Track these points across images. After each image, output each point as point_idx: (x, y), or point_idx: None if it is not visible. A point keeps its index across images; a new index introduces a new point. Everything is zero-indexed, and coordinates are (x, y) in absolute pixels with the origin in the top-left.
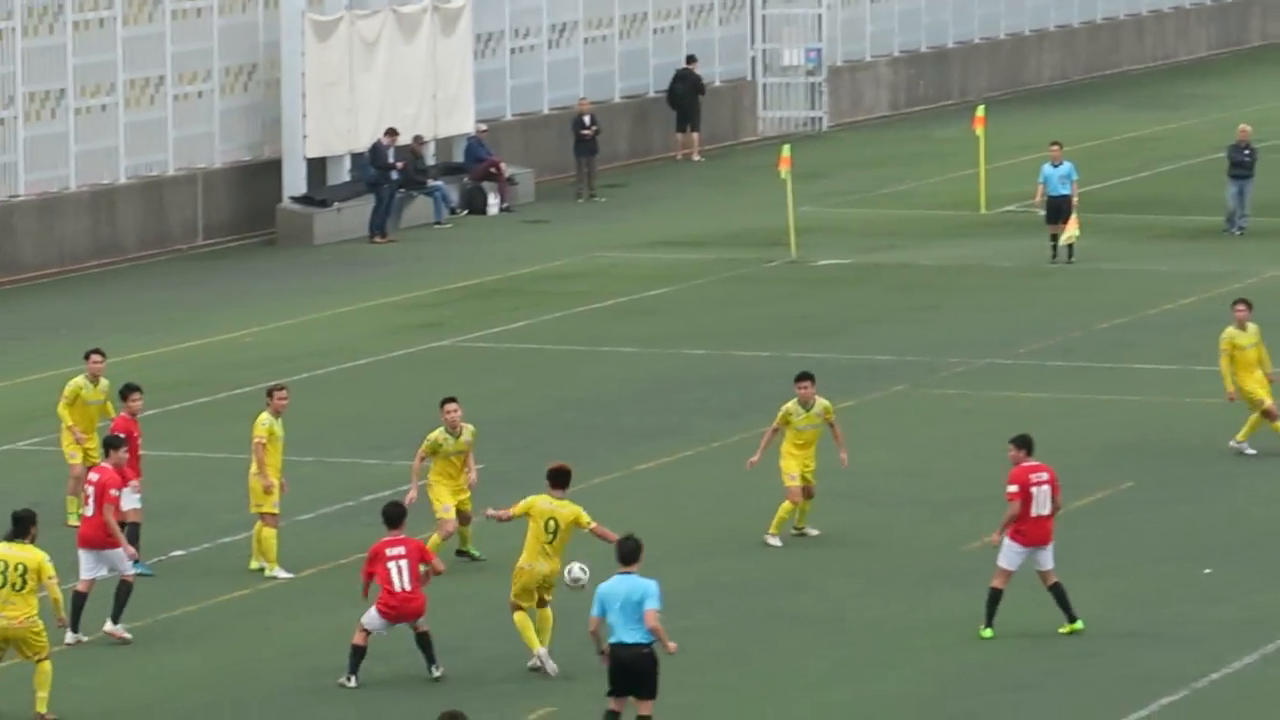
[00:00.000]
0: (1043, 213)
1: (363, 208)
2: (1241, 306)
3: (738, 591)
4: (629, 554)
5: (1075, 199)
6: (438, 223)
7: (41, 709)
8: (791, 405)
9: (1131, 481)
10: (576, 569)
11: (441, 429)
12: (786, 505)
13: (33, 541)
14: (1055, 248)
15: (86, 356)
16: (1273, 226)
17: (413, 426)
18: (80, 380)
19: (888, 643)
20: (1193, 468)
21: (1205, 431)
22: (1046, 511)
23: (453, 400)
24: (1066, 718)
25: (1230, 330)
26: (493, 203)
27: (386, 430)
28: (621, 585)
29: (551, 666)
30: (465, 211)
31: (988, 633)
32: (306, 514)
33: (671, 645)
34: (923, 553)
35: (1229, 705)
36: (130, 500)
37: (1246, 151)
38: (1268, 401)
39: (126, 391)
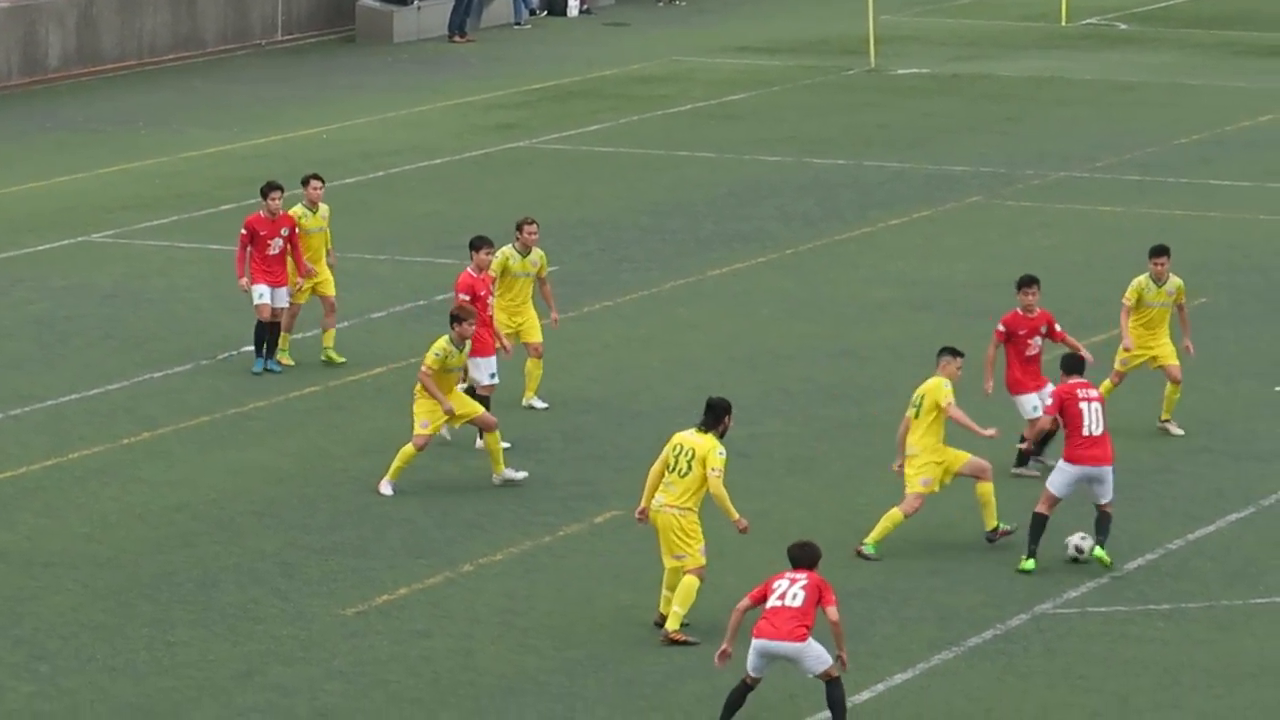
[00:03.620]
0: None
1: (443, 6)
2: None
3: (807, 399)
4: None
5: None
6: (517, 23)
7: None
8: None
9: (1205, 298)
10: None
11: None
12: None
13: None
14: None
15: (305, 182)
16: None
17: (488, 226)
18: (299, 209)
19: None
20: (1268, 285)
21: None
22: (1099, 431)
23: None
24: (1135, 532)
25: None
26: (573, 4)
27: (462, 229)
28: None
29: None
30: (545, 13)
31: (1029, 564)
32: (379, 312)
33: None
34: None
35: None
36: (281, 299)
37: None
38: None
39: (267, 190)
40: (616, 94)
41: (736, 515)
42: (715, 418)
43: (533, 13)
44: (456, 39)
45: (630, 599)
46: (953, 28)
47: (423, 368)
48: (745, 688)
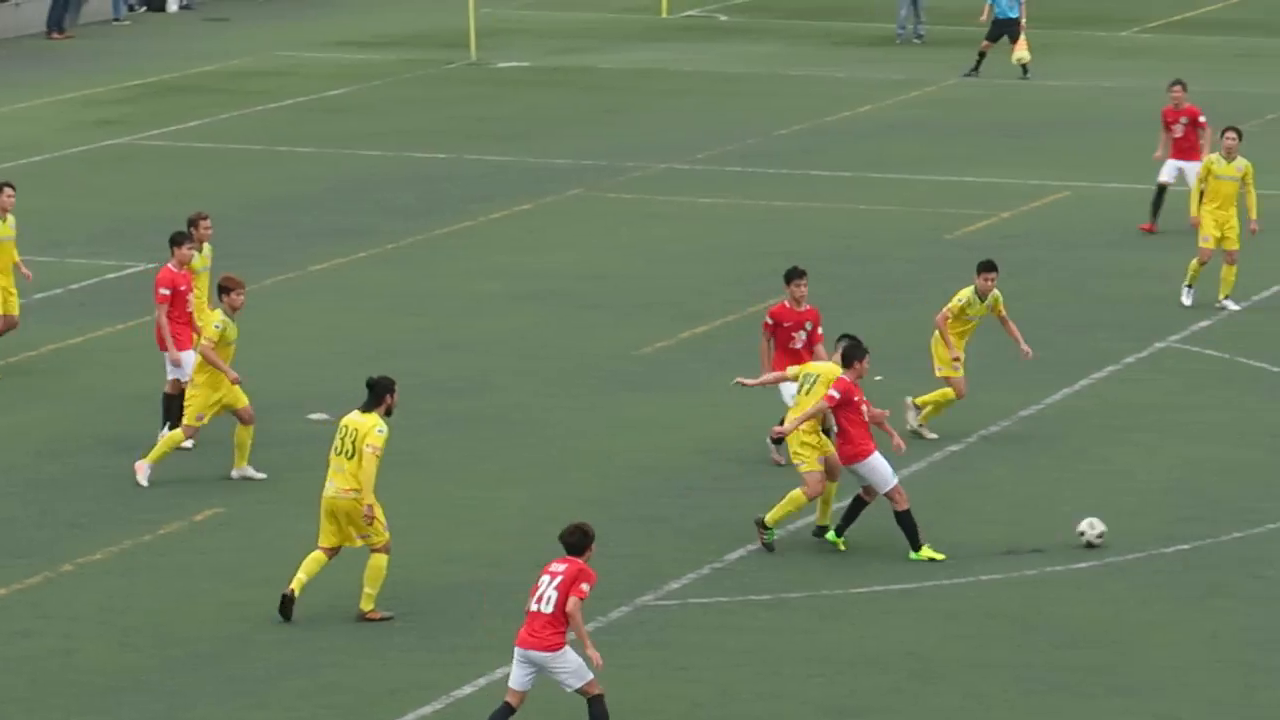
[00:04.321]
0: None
1: (41, 3)
2: (1230, 135)
3: (416, 393)
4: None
5: (1023, 21)
6: (116, 19)
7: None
8: None
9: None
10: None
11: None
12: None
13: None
14: (979, 63)
15: None
16: (951, 35)
17: (90, 222)
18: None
19: (565, 444)
20: (870, 275)
21: (885, 240)
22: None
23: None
24: (737, 522)
25: (1213, 156)
26: (172, 0)
27: (63, 227)
28: None
29: None
30: (144, 8)
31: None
32: None
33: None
34: (602, 356)
35: None
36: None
37: None
38: (1213, 245)
39: None
40: (218, 89)
41: (372, 499)
42: (376, 397)
43: (131, 8)
44: (55, 35)
45: (232, 596)
46: (554, 20)
47: (203, 341)
48: (506, 709)
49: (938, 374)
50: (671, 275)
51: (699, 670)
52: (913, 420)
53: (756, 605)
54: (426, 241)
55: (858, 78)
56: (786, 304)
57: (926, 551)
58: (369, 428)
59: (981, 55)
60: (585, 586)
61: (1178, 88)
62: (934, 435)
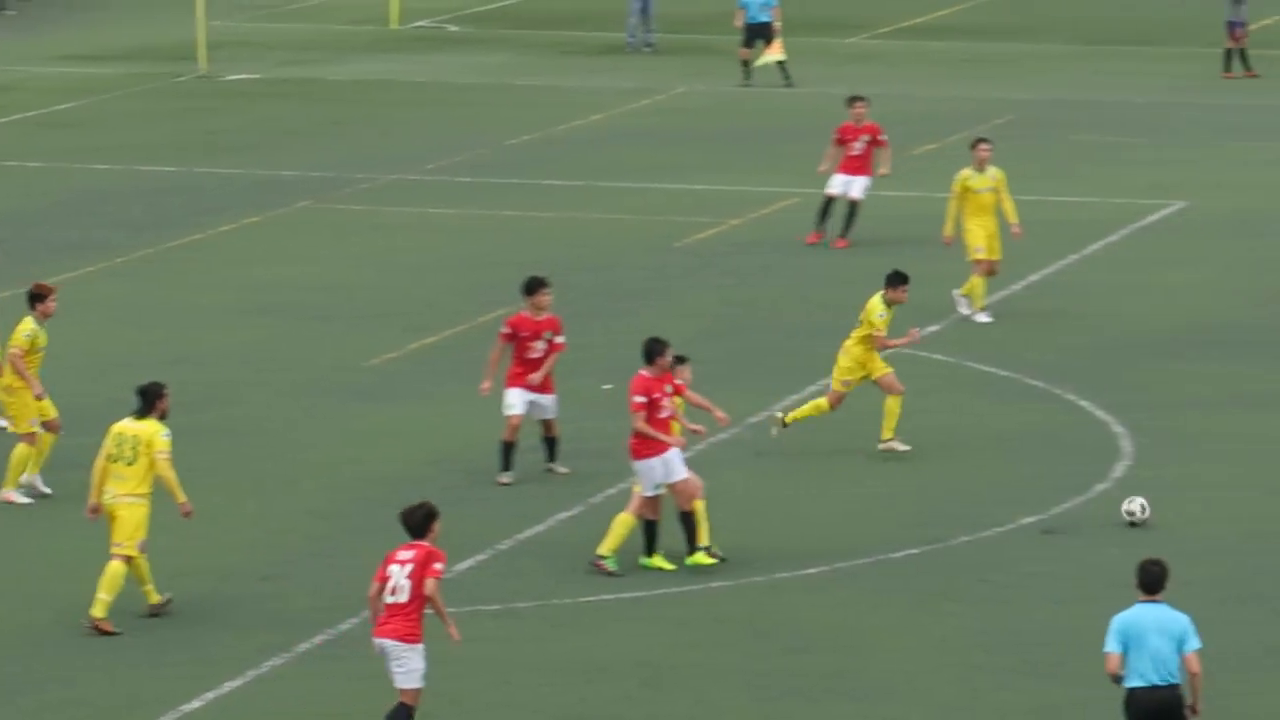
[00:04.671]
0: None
1: None
2: (984, 146)
3: None
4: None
5: (778, 24)
6: None
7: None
8: None
9: None
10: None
11: None
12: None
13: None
14: (747, 72)
15: None
16: (681, 43)
17: None
18: None
19: (295, 456)
20: (601, 283)
21: (616, 248)
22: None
23: None
24: (465, 532)
25: (966, 171)
26: None
27: None
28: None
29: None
30: None
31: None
32: None
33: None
34: (331, 368)
35: None
36: None
37: None
38: (985, 255)
39: None
40: None
41: (184, 498)
42: (149, 403)
43: None
44: None
45: None
46: (284, 32)
47: (13, 349)
48: (400, 706)
49: (864, 381)
50: (401, 286)
51: (429, 680)
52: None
53: (485, 615)
54: (156, 255)
55: (588, 86)
56: (526, 313)
57: (658, 560)
58: (151, 434)
59: (745, 64)
60: (438, 566)
61: (860, 104)
62: (907, 446)
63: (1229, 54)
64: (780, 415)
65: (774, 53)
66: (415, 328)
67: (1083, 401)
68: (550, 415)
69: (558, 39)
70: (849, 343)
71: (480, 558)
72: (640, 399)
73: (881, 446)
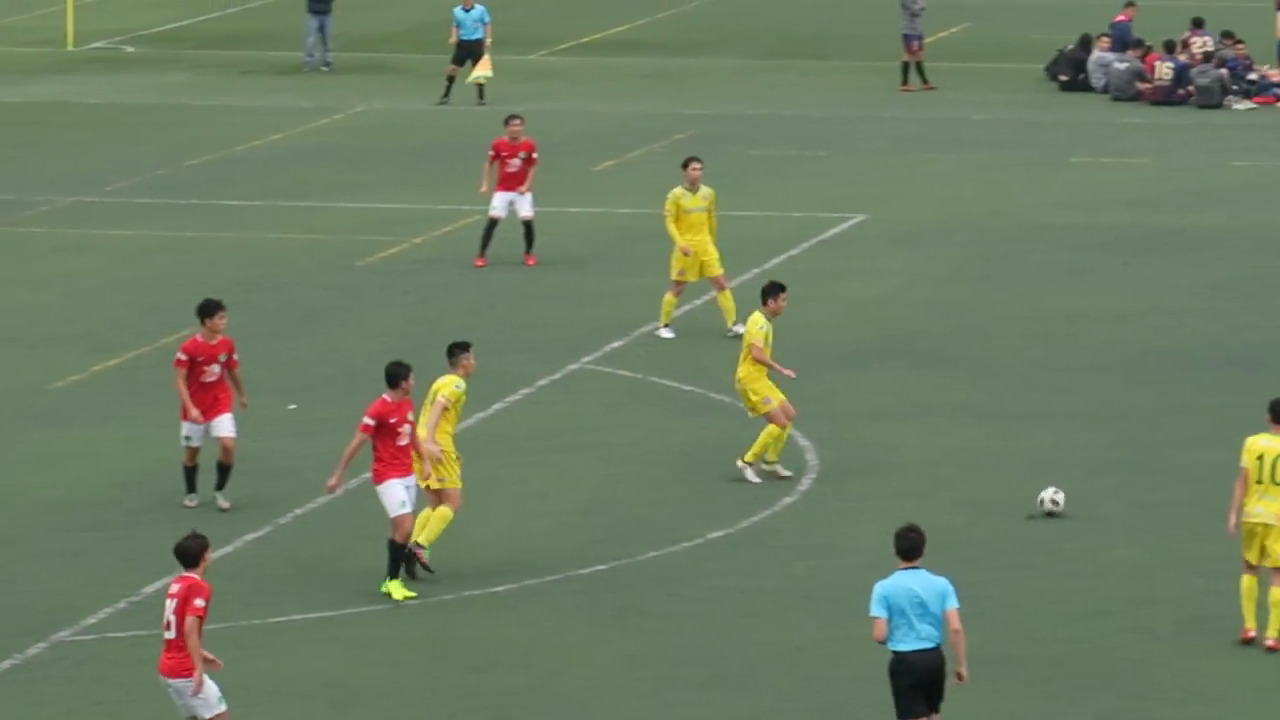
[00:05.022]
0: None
1: None
2: (695, 165)
3: None
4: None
5: (488, 41)
6: None
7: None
8: None
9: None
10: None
11: None
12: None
13: None
14: (449, 89)
15: None
16: (359, 62)
17: None
18: None
19: None
20: (281, 303)
21: (298, 268)
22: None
23: None
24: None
25: (678, 190)
26: None
27: None
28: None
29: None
30: None
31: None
32: None
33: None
34: (13, 391)
35: None
36: None
37: None
38: (690, 277)
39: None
40: None
41: None
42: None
43: None
44: None
45: None
46: None
47: None
48: None
49: (757, 413)
50: (83, 309)
51: (118, 704)
52: (756, 473)
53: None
54: None
55: (267, 106)
56: (200, 337)
57: (393, 586)
58: None
59: (450, 80)
60: (199, 603)
61: (516, 121)
62: (789, 472)
63: (906, 67)
64: (744, 460)
65: (483, 69)
66: (98, 349)
67: None
68: (225, 434)
69: (236, 59)
70: (739, 369)
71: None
72: (370, 421)
73: (740, 462)
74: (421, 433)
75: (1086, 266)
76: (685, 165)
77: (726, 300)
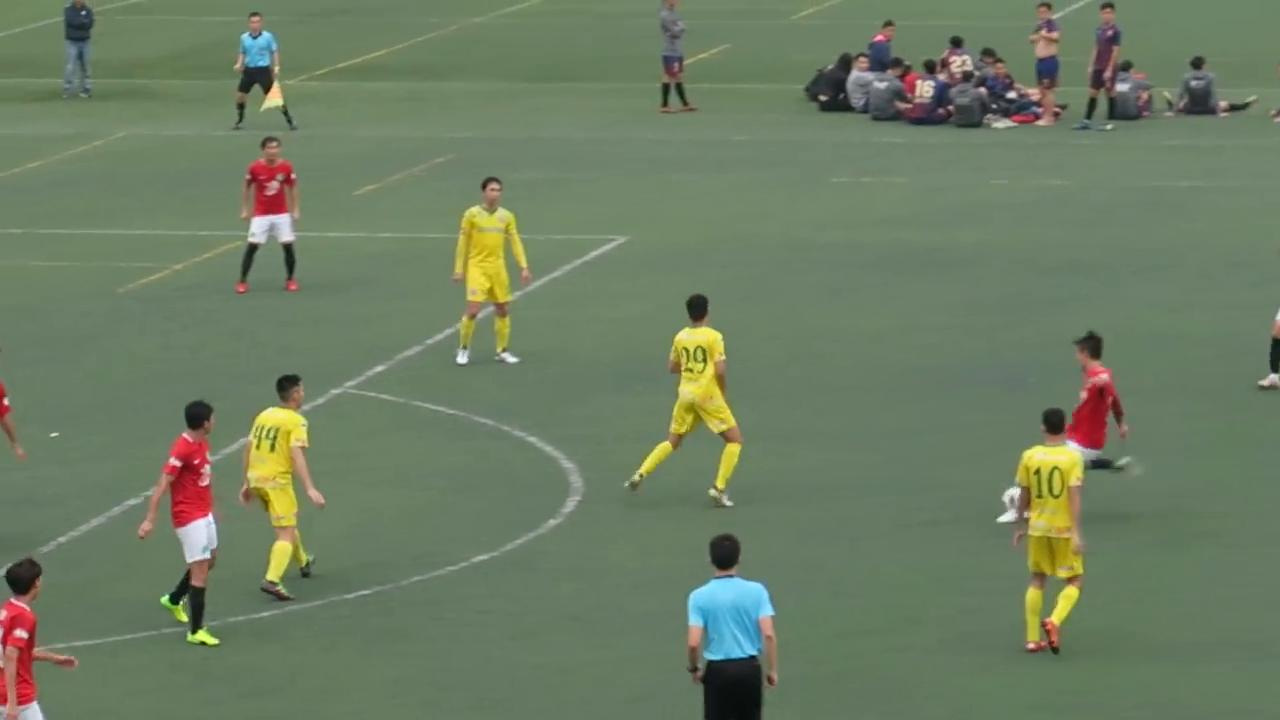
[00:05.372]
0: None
1: None
2: (494, 186)
3: None
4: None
5: (276, 69)
6: None
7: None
8: None
9: None
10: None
11: None
12: None
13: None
14: (242, 115)
15: None
16: (118, 88)
17: None
18: None
19: None
20: (45, 330)
21: (59, 296)
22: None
23: None
24: None
25: (474, 210)
26: None
27: None
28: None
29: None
30: None
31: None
32: None
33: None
34: None
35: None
36: None
37: (84, 13)
38: (485, 298)
39: None
40: None
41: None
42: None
43: None
44: None
45: None
46: None
47: None
48: None
49: (720, 429)
50: None
51: None
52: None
53: None
54: None
55: (25, 133)
56: None
57: (202, 635)
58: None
59: (241, 107)
60: (20, 633)
61: (272, 144)
62: (730, 502)
63: (666, 88)
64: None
65: (274, 98)
66: None
67: (531, 438)
68: None
69: None
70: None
71: None
72: (176, 462)
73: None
74: (312, 493)
75: (848, 286)
76: (484, 185)
77: (504, 326)
